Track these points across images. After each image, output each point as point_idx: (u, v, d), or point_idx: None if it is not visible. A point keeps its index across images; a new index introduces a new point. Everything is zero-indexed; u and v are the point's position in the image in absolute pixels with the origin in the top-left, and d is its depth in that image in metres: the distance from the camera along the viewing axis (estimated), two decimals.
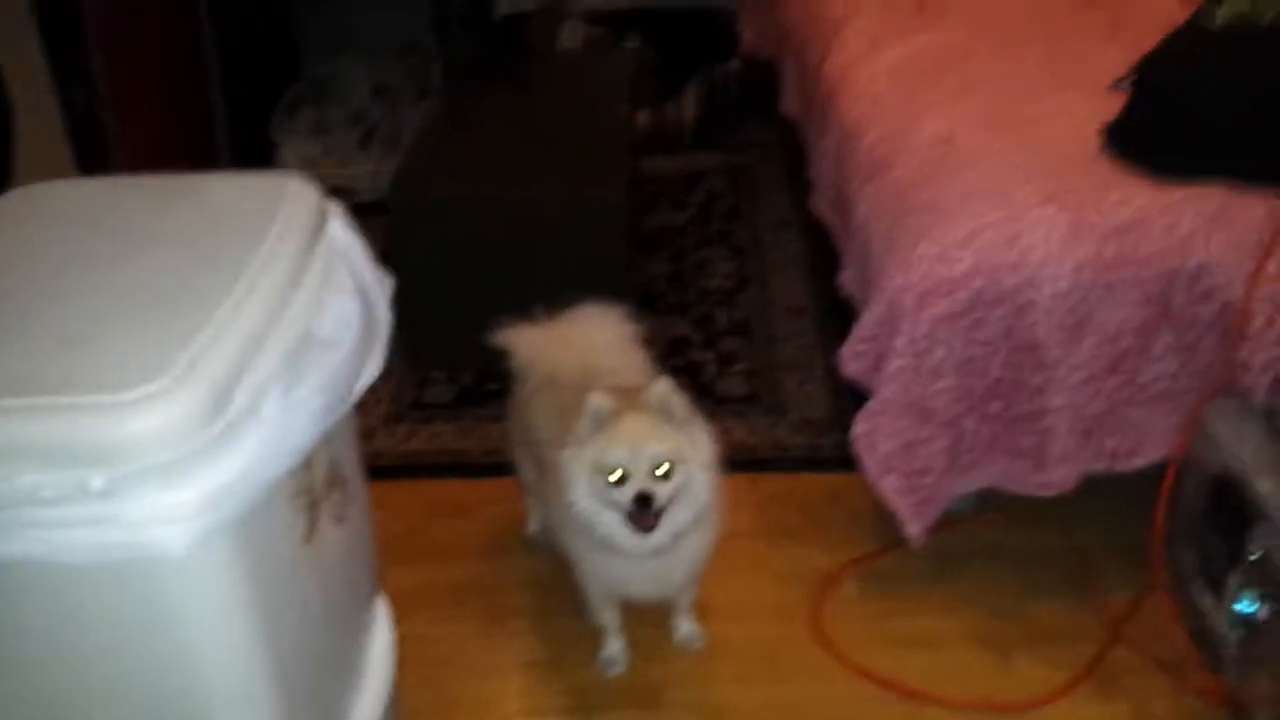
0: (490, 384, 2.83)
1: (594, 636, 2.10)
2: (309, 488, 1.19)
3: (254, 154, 3.78)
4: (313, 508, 1.20)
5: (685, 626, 2.13)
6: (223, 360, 1.00)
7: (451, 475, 2.60)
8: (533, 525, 2.37)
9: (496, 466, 2.52)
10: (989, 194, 2.09)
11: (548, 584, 2.23)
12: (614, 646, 2.09)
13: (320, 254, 1.22)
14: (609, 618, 2.07)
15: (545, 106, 3.53)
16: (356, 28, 4.18)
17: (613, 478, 1.72)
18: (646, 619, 2.12)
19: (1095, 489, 2.14)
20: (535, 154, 3.11)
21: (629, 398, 1.81)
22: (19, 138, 2.45)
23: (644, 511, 1.72)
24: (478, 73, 3.92)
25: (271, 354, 1.06)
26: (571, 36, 4.16)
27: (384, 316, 1.30)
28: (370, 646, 1.44)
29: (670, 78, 4.09)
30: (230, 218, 1.23)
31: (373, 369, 1.24)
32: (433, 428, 2.76)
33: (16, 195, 1.32)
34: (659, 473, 1.72)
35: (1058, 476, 2.08)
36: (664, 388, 1.77)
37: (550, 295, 2.12)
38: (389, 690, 1.42)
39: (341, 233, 1.30)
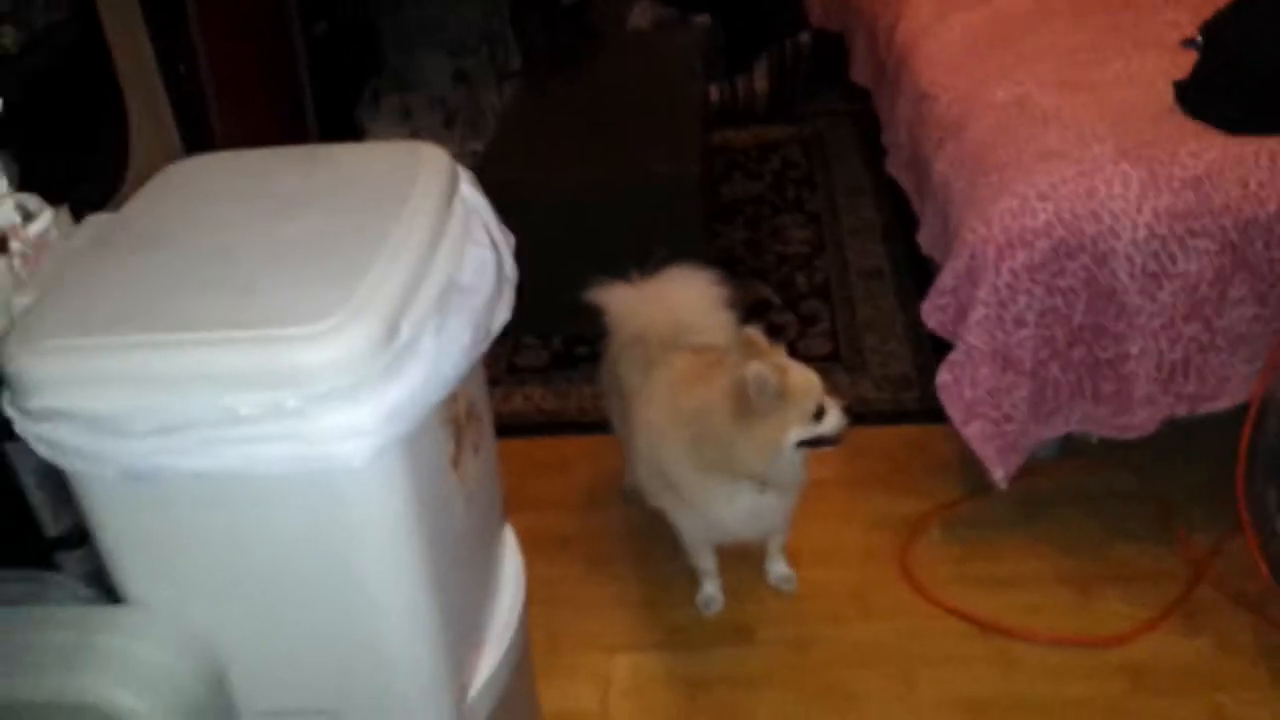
0: (579, 348, 2.96)
1: (690, 579, 2.22)
2: (455, 417, 1.31)
3: (342, 139, 3.92)
4: (458, 435, 1.32)
5: (778, 569, 2.23)
6: (388, 299, 1.12)
7: (548, 434, 2.73)
8: (629, 479, 2.48)
9: (590, 425, 2.65)
10: (1065, 150, 2.16)
11: (644, 532, 2.35)
12: (711, 587, 2.20)
13: (457, 210, 1.34)
14: (706, 561, 2.18)
15: (620, 85, 3.65)
16: (435, 18, 4.31)
17: (817, 416, 1.86)
18: (742, 562, 2.23)
19: (1177, 433, 2.20)
20: (612, 131, 3.23)
21: (714, 359, 1.95)
22: (134, 135, 2.60)
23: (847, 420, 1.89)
24: (554, 56, 4.04)
25: (425, 296, 1.18)
26: (642, 16, 4.26)
27: (511, 268, 1.41)
28: (503, 566, 1.56)
29: (741, 52, 4.17)
30: (374, 180, 1.35)
31: (504, 313, 1.35)
32: (526, 389, 2.88)
33: (179, 167, 1.45)
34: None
35: (1139, 420, 2.15)
36: (756, 331, 1.91)
37: (632, 265, 2.23)
38: (521, 606, 1.54)
39: (471, 193, 1.42)
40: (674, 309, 2.18)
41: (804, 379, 1.86)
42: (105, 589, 1.29)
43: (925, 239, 2.53)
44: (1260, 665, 1.96)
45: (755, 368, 1.79)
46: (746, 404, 1.81)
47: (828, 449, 1.91)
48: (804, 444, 1.87)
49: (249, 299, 1.13)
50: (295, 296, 1.12)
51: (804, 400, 1.85)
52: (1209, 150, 2.08)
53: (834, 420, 1.87)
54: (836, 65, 3.86)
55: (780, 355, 1.89)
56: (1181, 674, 1.97)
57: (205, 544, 1.19)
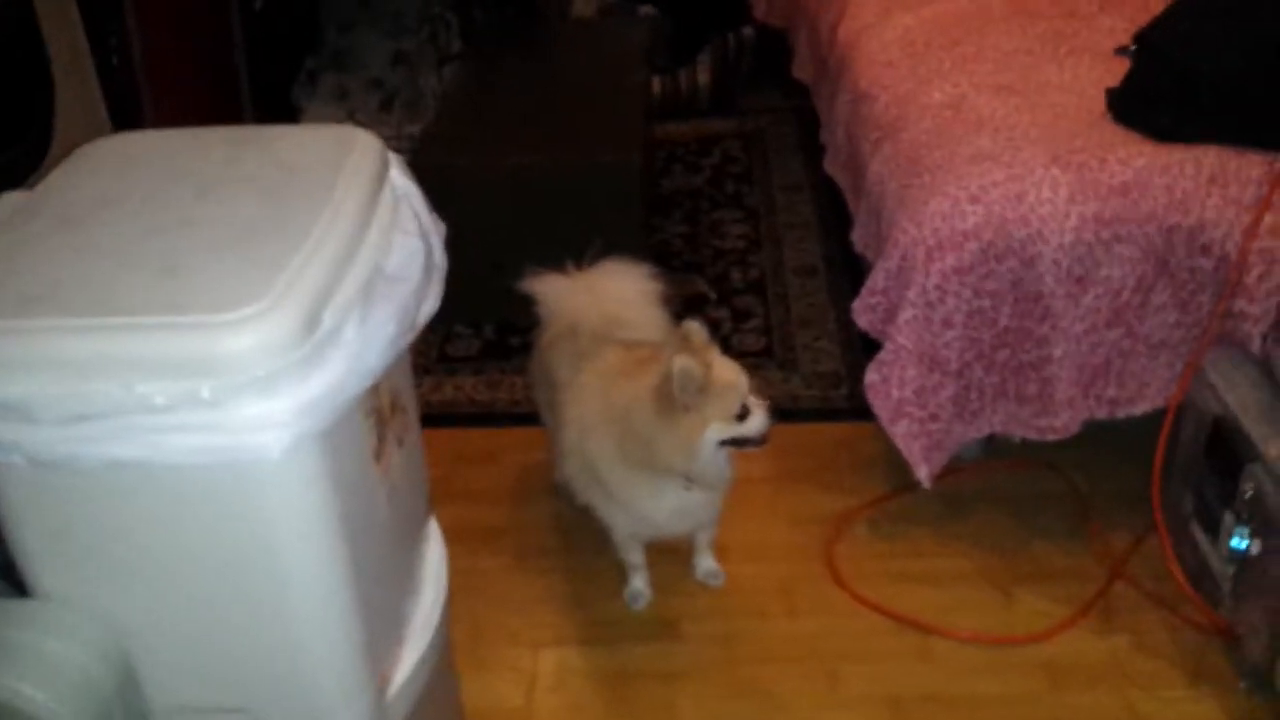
0: (512, 338, 2.94)
1: (616, 573, 2.22)
2: (378, 409, 1.29)
3: (277, 118, 3.86)
4: (381, 427, 1.30)
5: (705, 563, 2.24)
6: (311, 287, 1.10)
7: (478, 424, 2.71)
8: (559, 473, 2.47)
9: (521, 416, 2.64)
10: (997, 154, 2.19)
11: (573, 525, 2.34)
12: (638, 582, 2.20)
13: (386, 197, 1.32)
14: (635, 556, 2.18)
15: (562, 73, 3.63)
16: None
17: (739, 416, 1.84)
18: (668, 557, 2.24)
19: (1096, 435, 2.25)
20: (553, 119, 3.21)
21: (647, 354, 1.93)
22: (59, 101, 2.54)
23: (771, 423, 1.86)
24: (496, 40, 4.01)
25: (350, 284, 1.16)
26: (587, 4, 4.25)
27: (441, 256, 1.39)
28: (427, 560, 1.55)
29: (684, 44, 4.17)
30: (302, 163, 1.33)
31: (432, 303, 1.34)
32: (457, 380, 2.86)
33: (99, 144, 1.41)
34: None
35: (1061, 422, 2.19)
36: (697, 326, 1.88)
37: (568, 255, 2.23)
38: (444, 601, 1.53)
39: (402, 180, 1.40)
40: (608, 302, 2.17)
41: (729, 377, 1.84)
42: (14, 582, 1.26)
43: (859, 238, 2.56)
44: (1175, 663, 2.01)
45: (681, 361, 1.78)
46: (670, 398, 1.80)
47: (753, 449, 1.89)
48: (727, 443, 1.86)
49: (166, 283, 1.10)
50: (214, 282, 1.10)
51: (727, 398, 1.83)
52: (1137, 158, 2.12)
53: (757, 422, 1.85)
54: (779, 61, 3.87)
55: (713, 353, 1.87)
56: (1098, 671, 2.01)
57: (117, 536, 1.17)
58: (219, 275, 1.11)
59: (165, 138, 1.46)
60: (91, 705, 1.18)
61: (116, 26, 2.95)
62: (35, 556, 1.20)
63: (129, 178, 1.32)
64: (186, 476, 1.09)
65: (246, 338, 1.04)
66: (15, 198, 1.36)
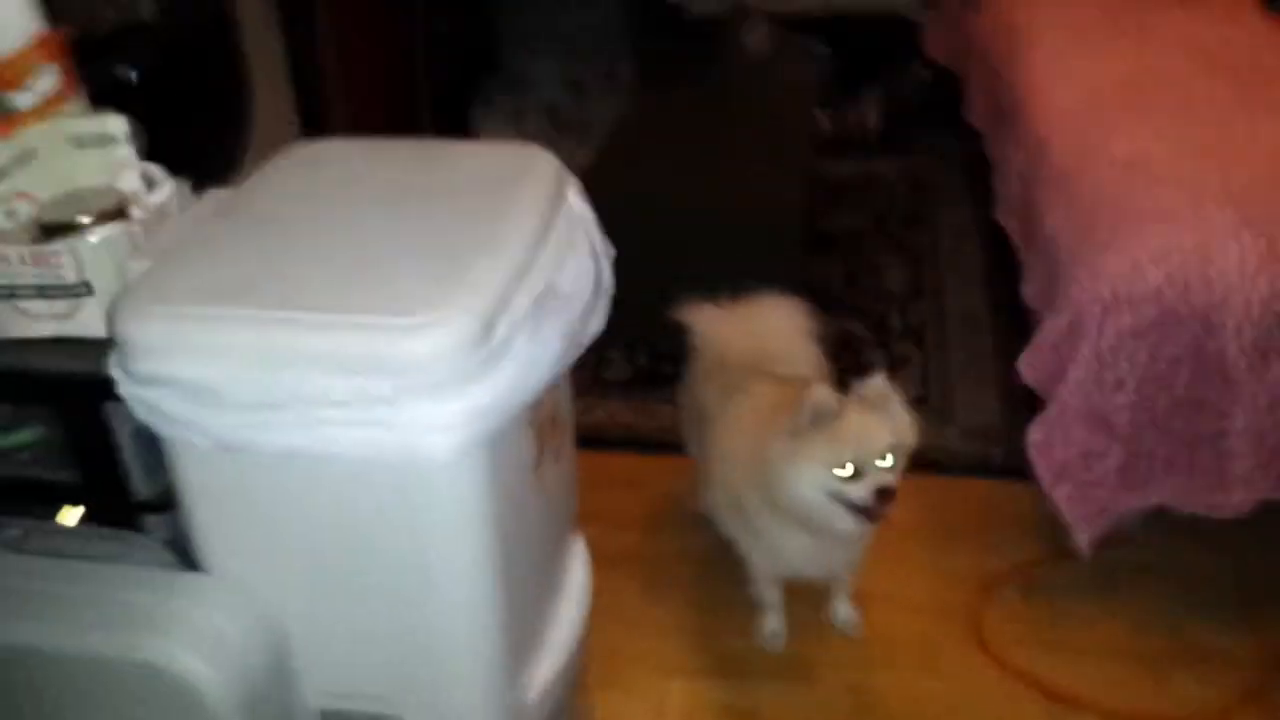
0: (664, 366, 2.95)
1: (750, 610, 2.19)
2: (540, 422, 1.31)
3: (453, 136, 3.99)
4: (541, 440, 1.33)
5: (844, 610, 2.20)
6: (488, 298, 1.12)
7: (624, 449, 2.73)
8: (702, 503, 2.46)
9: (667, 444, 2.64)
10: (1181, 213, 2.10)
11: (707, 557, 2.33)
12: (774, 622, 2.17)
13: (561, 217, 1.35)
14: (771, 595, 2.15)
15: (731, 106, 3.64)
16: (553, 24, 4.37)
17: (844, 473, 1.75)
18: (805, 598, 2.20)
19: (1271, 516, 2.12)
20: (719, 152, 3.22)
21: (793, 391, 1.88)
22: (256, 114, 2.68)
23: (884, 503, 1.76)
24: (668, 71, 4.05)
25: (524, 298, 1.18)
26: (759, 39, 4.25)
27: (609, 278, 1.41)
28: (570, 575, 1.56)
29: (853, 81, 4.15)
30: (485, 178, 1.37)
31: (598, 323, 1.36)
32: (609, 404, 2.89)
33: (298, 149, 1.48)
34: (888, 465, 1.76)
35: (1235, 500, 2.08)
36: (880, 381, 1.80)
37: (726, 287, 2.22)
38: (585, 616, 1.54)
39: (577, 201, 1.43)
40: (761, 336, 2.17)
41: (855, 429, 1.75)
42: (185, 556, 1.32)
43: (1029, 290, 2.48)
44: None
45: (822, 390, 1.76)
46: (798, 421, 1.76)
47: (865, 521, 1.78)
48: (835, 496, 1.77)
49: (353, 284, 1.14)
50: (398, 286, 1.14)
51: (839, 446, 1.74)
52: None
53: (860, 489, 1.74)
54: (951, 104, 3.80)
55: (874, 407, 1.79)
56: None
57: (286, 521, 1.21)
58: (403, 280, 1.15)
59: (358, 147, 1.52)
60: (246, 680, 1.22)
61: (311, 40, 3.11)
62: (207, 534, 1.25)
63: (324, 182, 1.38)
64: (357, 470, 1.13)
65: (426, 341, 1.07)
66: (218, 194, 1.44)
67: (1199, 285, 1.99)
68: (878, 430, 1.77)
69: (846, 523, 1.79)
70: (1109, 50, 2.90)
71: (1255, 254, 1.99)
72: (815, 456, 1.76)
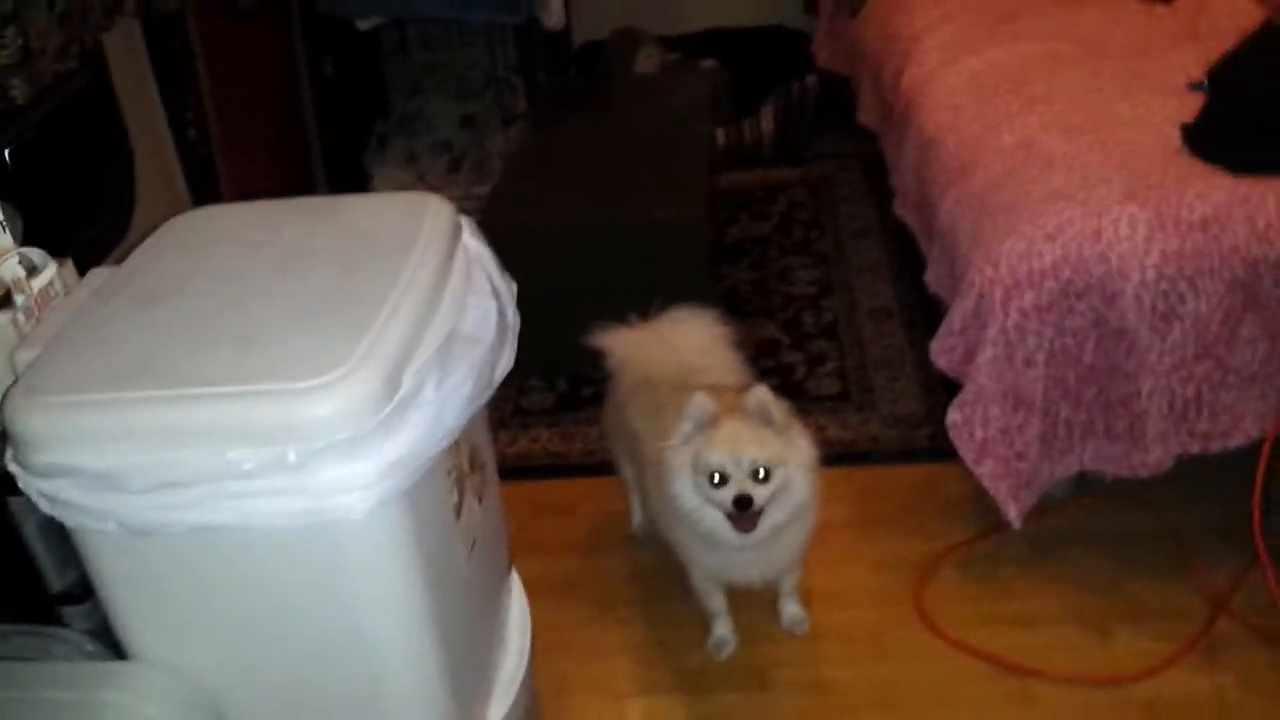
0: (585, 390, 2.95)
1: (700, 621, 2.19)
2: (457, 467, 1.31)
3: (348, 184, 3.95)
4: (460, 485, 1.32)
5: (790, 610, 2.21)
6: (390, 352, 1.12)
7: (554, 476, 2.72)
8: (635, 520, 2.47)
9: (595, 467, 2.64)
10: (1071, 192, 2.15)
11: (652, 574, 2.33)
12: (722, 629, 2.18)
13: (459, 261, 1.34)
14: (715, 602, 2.16)
15: (626, 129, 3.66)
16: (441, 63, 4.35)
17: (713, 479, 1.81)
18: (753, 603, 2.21)
19: (1190, 470, 2.18)
20: (619, 174, 3.24)
21: (728, 400, 1.91)
22: (141, 185, 2.63)
23: (743, 513, 1.80)
24: (561, 99, 4.07)
25: (427, 347, 1.18)
26: (649, 61, 4.29)
27: (513, 315, 1.41)
28: (510, 613, 1.55)
29: (746, 96, 4.19)
30: (377, 231, 1.36)
31: (507, 362, 1.35)
32: (532, 433, 2.88)
33: (183, 219, 1.46)
34: (758, 475, 1.80)
35: (1153, 458, 2.13)
36: (762, 394, 1.84)
37: (638, 307, 2.23)
38: (529, 653, 1.53)
39: (474, 242, 1.43)
40: (679, 350, 2.17)
41: (730, 438, 1.80)
42: (110, 643, 1.29)
43: (933, 279, 2.53)
44: None
45: (701, 396, 1.83)
46: (682, 428, 1.84)
47: (734, 533, 1.82)
48: (709, 500, 1.82)
49: (251, 353, 1.13)
50: (297, 350, 1.13)
51: (710, 452, 1.80)
52: (1216, 192, 2.07)
53: (722, 494, 1.79)
54: (843, 108, 3.87)
55: (771, 419, 1.83)
56: (1204, 710, 1.94)
57: (208, 597, 1.19)
58: (301, 343, 1.14)
59: (244, 211, 1.50)
60: None
61: (194, 101, 3.06)
62: (129, 620, 1.22)
63: (211, 252, 1.36)
64: (274, 539, 1.11)
65: (329, 403, 1.06)
66: (102, 274, 1.41)
67: (1094, 258, 2.04)
68: (750, 439, 1.81)
69: (723, 530, 1.84)
70: (992, 44, 2.96)
71: (1144, 224, 2.05)
72: (687, 462, 1.83)
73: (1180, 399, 2.11)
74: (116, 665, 1.25)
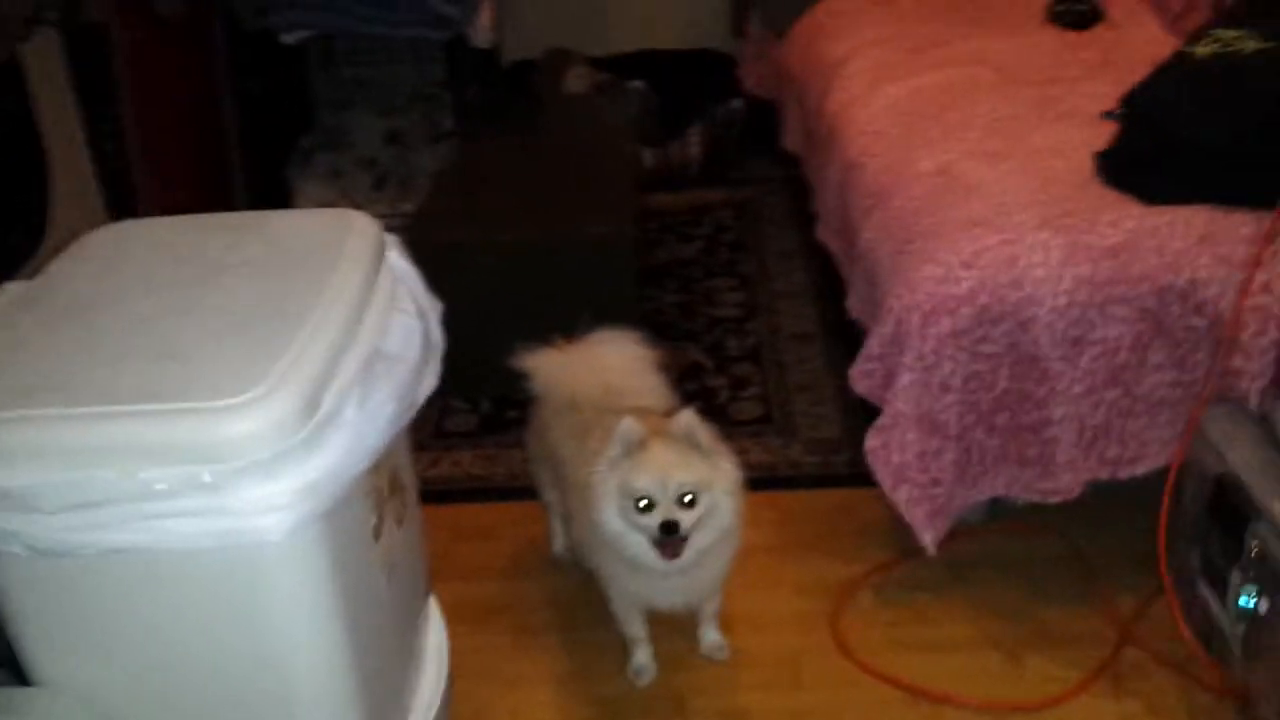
0: (509, 411, 2.94)
1: (620, 649, 2.18)
2: (377, 489, 1.29)
3: (270, 199, 3.90)
4: (380, 507, 1.30)
5: (710, 636, 2.21)
6: (310, 371, 1.10)
7: (475, 500, 2.69)
8: (557, 545, 2.46)
9: (518, 490, 2.62)
10: (988, 219, 2.20)
11: (573, 601, 2.32)
12: (642, 656, 2.17)
13: (383, 279, 1.33)
14: (636, 628, 2.15)
15: (554, 148, 3.67)
16: (368, 78, 4.32)
17: (640, 504, 1.81)
18: (673, 630, 2.20)
19: (1100, 497, 2.24)
20: (545, 194, 3.24)
21: (655, 424, 1.91)
22: (58, 201, 2.56)
23: (669, 537, 1.80)
24: (488, 118, 4.06)
25: (349, 366, 1.17)
26: (578, 80, 4.31)
27: (438, 335, 1.40)
28: (427, 638, 1.54)
29: (674, 117, 4.23)
30: (300, 248, 1.35)
31: (430, 381, 1.35)
32: (454, 455, 2.85)
33: (100, 234, 1.43)
34: (685, 500, 1.81)
35: (1063, 484, 2.18)
36: (689, 418, 1.85)
37: (563, 328, 2.23)
38: (445, 681, 1.51)
39: (399, 260, 1.42)
40: (604, 373, 2.17)
41: (656, 463, 1.80)
42: (14, 669, 1.24)
43: (853, 304, 2.57)
44: None
45: (629, 421, 1.82)
46: (610, 452, 1.84)
47: (659, 559, 1.82)
48: (634, 526, 1.82)
49: (166, 371, 1.11)
50: (214, 368, 1.11)
51: (637, 476, 1.80)
52: (1127, 220, 2.14)
53: (648, 520, 1.79)
54: (769, 132, 3.92)
55: (698, 443, 1.84)
56: None
57: (119, 621, 1.16)
58: (219, 361, 1.12)
59: (164, 226, 1.48)
60: None
61: (113, 113, 2.99)
62: (34, 644, 1.19)
63: (128, 266, 1.34)
64: (188, 561, 1.09)
65: (247, 422, 1.04)
66: (15, 288, 1.37)
67: (1009, 285, 2.09)
68: (677, 464, 1.81)
69: (649, 556, 1.84)
70: (913, 71, 3.03)
71: (1059, 251, 2.10)
72: (614, 486, 1.82)
73: (1090, 426, 2.16)
74: (19, 692, 1.21)
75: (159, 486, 1.03)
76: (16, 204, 2.38)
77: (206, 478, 1.03)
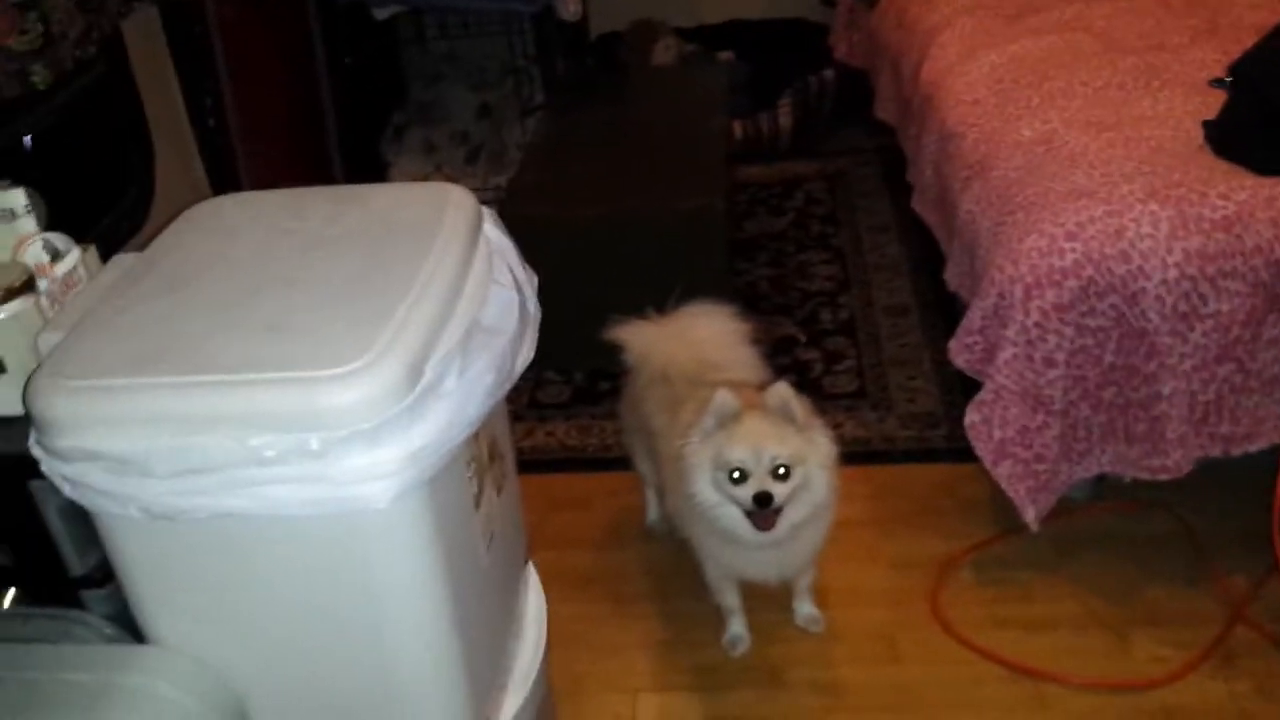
0: (602, 383, 2.95)
1: (715, 619, 2.19)
2: (477, 457, 1.30)
3: (365, 173, 3.95)
4: (480, 476, 1.31)
5: (805, 609, 2.20)
6: (413, 341, 1.11)
7: (570, 470, 2.71)
8: (651, 515, 2.46)
9: (612, 461, 2.64)
10: (1093, 190, 2.14)
11: (668, 570, 2.32)
12: (737, 627, 2.17)
13: (481, 251, 1.34)
14: (730, 599, 2.15)
15: (643, 121, 3.66)
16: (459, 52, 4.36)
17: (733, 476, 1.80)
18: (768, 603, 2.20)
19: (1210, 474, 2.16)
20: (636, 166, 3.23)
21: (749, 397, 1.90)
22: (159, 163, 2.63)
23: (763, 510, 1.79)
24: (578, 91, 4.06)
25: (450, 337, 1.17)
26: (666, 52, 4.28)
27: (534, 307, 1.40)
28: (526, 605, 1.55)
29: (764, 88, 4.18)
30: (400, 220, 1.36)
31: (528, 353, 1.35)
32: (549, 425, 2.87)
33: (205, 206, 1.46)
34: (779, 472, 1.80)
35: (1173, 461, 2.11)
36: (783, 390, 1.83)
37: (655, 301, 2.22)
38: (544, 647, 1.52)
39: (495, 233, 1.42)
40: (697, 346, 2.16)
41: (751, 435, 1.79)
42: (130, 628, 1.29)
43: (952, 276, 2.51)
44: None
45: (725, 393, 1.82)
46: (704, 424, 1.83)
47: (754, 534, 1.82)
48: (729, 499, 1.81)
49: (273, 340, 1.12)
50: (320, 338, 1.12)
51: (731, 448, 1.79)
52: (1239, 191, 2.05)
53: (742, 491, 1.78)
54: (861, 101, 3.85)
55: (792, 415, 1.83)
56: (1219, 718, 1.93)
57: (228, 583, 1.19)
58: (324, 331, 1.13)
59: (268, 199, 1.50)
60: None
61: (212, 88, 3.06)
62: (149, 604, 1.22)
63: (234, 238, 1.36)
64: (295, 527, 1.11)
65: (353, 391, 1.05)
66: (125, 259, 1.41)
67: (1115, 257, 2.02)
68: (771, 436, 1.80)
69: (743, 527, 1.83)
70: (1010, 38, 2.95)
71: (1166, 222, 2.03)
72: (708, 457, 1.82)
73: (1201, 402, 2.09)
74: (136, 649, 1.25)
75: (268, 453, 1.04)
76: (123, 179, 2.44)
77: (314, 445, 1.04)
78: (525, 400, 2.96)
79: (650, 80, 4.18)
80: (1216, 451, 2.13)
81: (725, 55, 4.30)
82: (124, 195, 2.40)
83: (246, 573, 1.17)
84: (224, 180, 3.11)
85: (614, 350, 2.23)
